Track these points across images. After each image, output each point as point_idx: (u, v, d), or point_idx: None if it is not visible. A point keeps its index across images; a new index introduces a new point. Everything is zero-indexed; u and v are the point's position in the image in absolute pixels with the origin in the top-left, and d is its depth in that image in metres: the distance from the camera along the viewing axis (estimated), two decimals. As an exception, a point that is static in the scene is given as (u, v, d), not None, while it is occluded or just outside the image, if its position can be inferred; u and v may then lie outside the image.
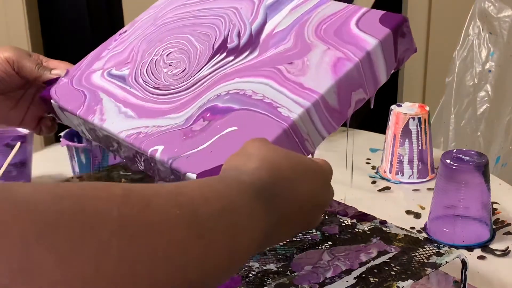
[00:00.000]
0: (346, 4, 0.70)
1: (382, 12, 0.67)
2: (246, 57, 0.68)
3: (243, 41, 0.71)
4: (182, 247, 0.37)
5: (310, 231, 0.69)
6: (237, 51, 0.70)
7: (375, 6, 2.27)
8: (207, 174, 0.57)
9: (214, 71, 0.68)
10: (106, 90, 0.73)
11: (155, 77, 0.72)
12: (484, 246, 0.90)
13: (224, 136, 0.60)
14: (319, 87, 0.61)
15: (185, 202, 0.38)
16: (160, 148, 0.62)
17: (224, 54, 0.70)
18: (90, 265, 0.32)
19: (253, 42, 0.70)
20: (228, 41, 0.72)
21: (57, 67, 0.77)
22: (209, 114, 0.62)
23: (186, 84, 0.69)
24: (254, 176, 0.46)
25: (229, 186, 0.43)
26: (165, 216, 0.36)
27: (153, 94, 0.70)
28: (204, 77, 0.68)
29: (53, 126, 0.80)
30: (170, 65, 0.72)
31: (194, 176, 0.58)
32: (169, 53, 0.74)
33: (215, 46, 0.72)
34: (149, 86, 0.71)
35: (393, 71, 0.67)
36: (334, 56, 0.64)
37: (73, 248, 0.32)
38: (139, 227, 0.35)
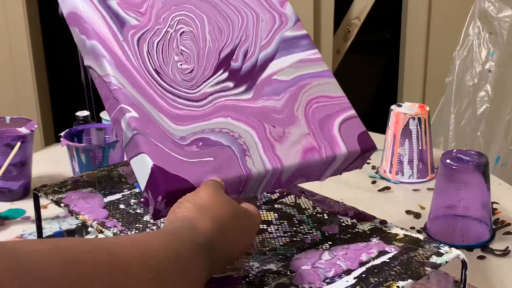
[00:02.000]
0: (342, 94, 0.74)
1: (364, 129, 0.72)
2: (241, 93, 0.69)
3: (245, 66, 0.71)
4: None
5: (310, 231, 0.69)
6: (237, 78, 0.70)
7: (375, 6, 2.27)
8: (162, 174, 0.59)
9: (215, 93, 0.68)
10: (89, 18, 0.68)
11: (163, 59, 0.68)
12: (484, 246, 0.91)
13: (203, 162, 0.63)
14: (285, 160, 0.66)
15: (153, 266, 0.48)
16: (134, 114, 0.62)
17: (226, 74, 0.70)
18: None
19: (252, 76, 0.71)
20: (234, 57, 0.71)
21: None
22: (201, 143, 0.64)
23: (189, 93, 0.67)
24: (205, 237, 0.55)
25: (187, 248, 0.53)
26: (140, 282, 0.46)
27: (151, 75, 0.66)
28: (206, 97, 0.67)
29: None
30: (181, 53, 0.69)
31: (150, 162, 0.60)
32: (183, 32, 0.70)
33: (221, 55, 0.71)
34: (150, 64, 0.67)
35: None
36: (310, 144, 0.68)
37: None
38: None
